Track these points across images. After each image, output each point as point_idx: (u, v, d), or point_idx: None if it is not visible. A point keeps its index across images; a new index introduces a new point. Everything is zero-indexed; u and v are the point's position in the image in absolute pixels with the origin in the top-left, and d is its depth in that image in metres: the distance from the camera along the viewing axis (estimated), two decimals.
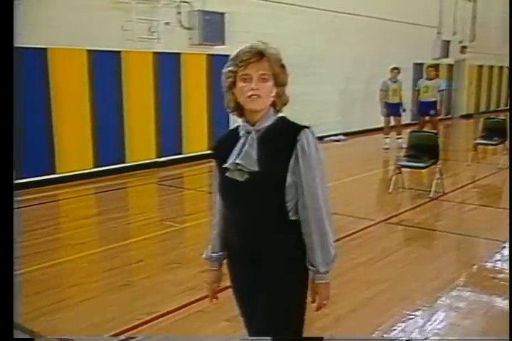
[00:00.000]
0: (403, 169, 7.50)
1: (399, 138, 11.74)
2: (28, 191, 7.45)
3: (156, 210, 7.25)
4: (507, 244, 5.06)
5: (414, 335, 3.53)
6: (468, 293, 4.22)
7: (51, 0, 7.88)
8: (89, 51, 8.43)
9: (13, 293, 1.75)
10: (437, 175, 7.33)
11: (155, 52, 9.39)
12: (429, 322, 3.70)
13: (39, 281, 4.45)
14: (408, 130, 8.39)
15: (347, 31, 13.24)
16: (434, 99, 11.47)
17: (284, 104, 2.14)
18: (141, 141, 9.42)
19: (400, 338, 3.39)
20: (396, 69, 11.70)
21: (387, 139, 11.78)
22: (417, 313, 3.81)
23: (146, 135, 9.50)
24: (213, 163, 2.23)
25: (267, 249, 2.09)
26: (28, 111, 7.66)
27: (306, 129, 2.05)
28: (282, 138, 2.05)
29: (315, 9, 12.28)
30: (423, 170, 7.95)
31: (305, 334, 3.49)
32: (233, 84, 2.04)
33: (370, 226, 5.91)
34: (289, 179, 2.02)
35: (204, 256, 2.38)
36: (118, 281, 4.35)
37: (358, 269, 4.62)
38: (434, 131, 8.43)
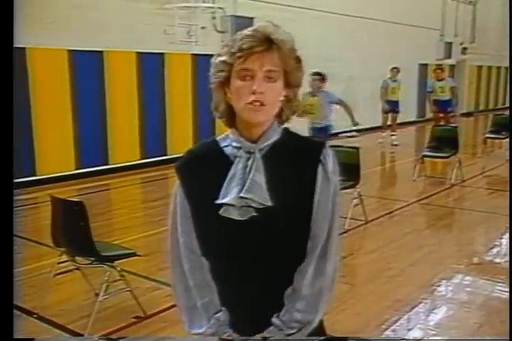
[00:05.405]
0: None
1: (393, 135, 12.38)
2: (85, 180, 8.36)
3: None
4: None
5: (462, 284, 4.44)
6: (505, 256, 5.14)
7: (105, 7, 8.72)
8: (137, 53, 9.30)
9: (13, 292, 1.61)
10: (457, 164, 8.22)
11: (193, 54, 10.26)
12: (479, 275, 4.62)
13: (143, 247, 5.30)
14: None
15: (359, 34, 14.13)
16: (449, 98, 12.28)
17: (294, 113, 1.56)
18: (180, 136, 10.27)
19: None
20: (395, 69, 12.50)
21: (384, 134, 12.55)
22: (461, 266, 4.73)
23: (185, 131, 10.36)
24: (179, 191, 1.59)
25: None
26: (85, 109, 8.57)
27: (327, 147, 1.53)
28: (300, 160, 1.51)
29: (331, 13, 13.19)
30: (441, 161, 8.87)
31: (379, 278, 4.38)
32: (227, 81, 1.48)
33: (405, 206, 6.82)
34: (315, 210, 1.49)
35: (202, 330, 1.56)
36: None
37: (406, 237, 5.53)
38: (455, 125, 9.35)
